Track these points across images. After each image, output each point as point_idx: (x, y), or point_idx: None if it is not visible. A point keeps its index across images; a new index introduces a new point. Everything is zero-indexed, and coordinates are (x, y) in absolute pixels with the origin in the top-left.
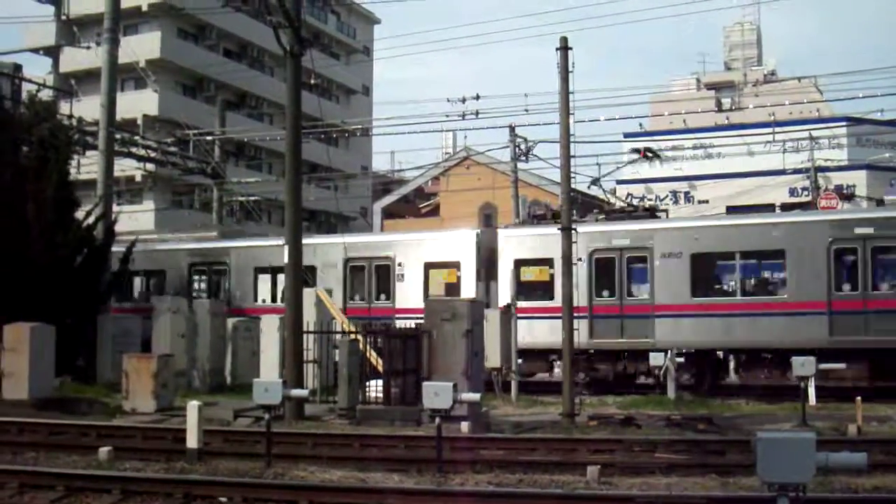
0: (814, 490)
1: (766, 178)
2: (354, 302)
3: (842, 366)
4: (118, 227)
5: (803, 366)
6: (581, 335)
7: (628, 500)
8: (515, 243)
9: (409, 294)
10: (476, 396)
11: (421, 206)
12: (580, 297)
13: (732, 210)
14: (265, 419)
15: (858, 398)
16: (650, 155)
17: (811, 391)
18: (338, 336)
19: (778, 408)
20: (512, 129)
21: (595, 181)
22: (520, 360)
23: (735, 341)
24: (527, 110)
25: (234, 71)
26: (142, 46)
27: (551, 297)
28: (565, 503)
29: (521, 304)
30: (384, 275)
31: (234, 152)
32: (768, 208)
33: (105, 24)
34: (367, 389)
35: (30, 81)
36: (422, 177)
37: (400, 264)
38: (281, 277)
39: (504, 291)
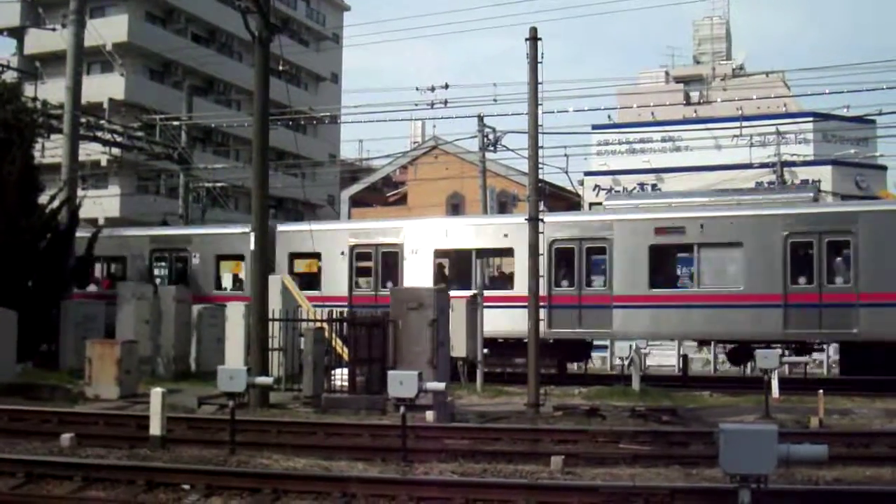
0: (775, 481)
1: (733, 172)
2: None
3: (806, 359)
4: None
5: (766, 358)
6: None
7: (592, 491)
8: None
9: None
10: (441, 386)
11: (388, 194)
12: None
13: None
14: (229, 406)
15: (821, 391)
16: None
17: (774, 383)
18: (303, 324)
19: (741, 400)
20: (480, 118)
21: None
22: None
23: None
24: (495, 100)
25: (202, 56)
26: (108, 29)
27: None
28: (529, 493)
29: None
30: None
31: (201, 138)
32: None
33: (71, 6)
34: (333, 378)
35: None
36: (390, 165)
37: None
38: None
39: None
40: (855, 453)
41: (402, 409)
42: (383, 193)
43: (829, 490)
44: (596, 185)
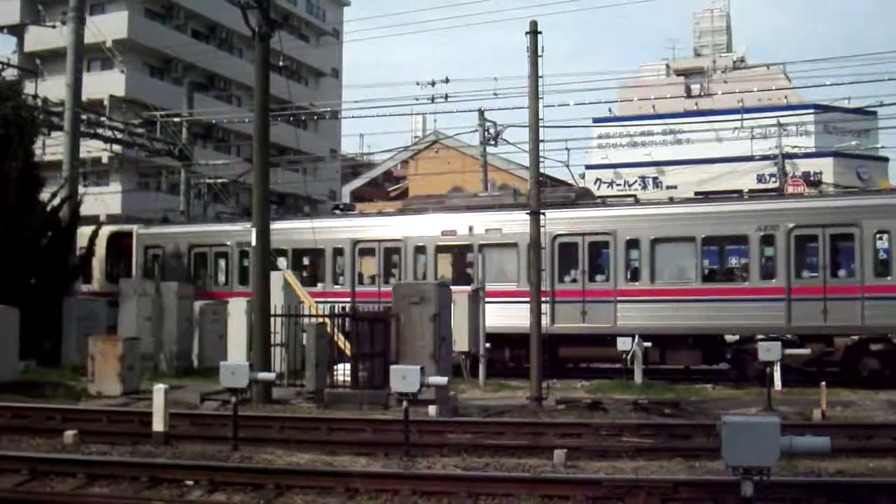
0: (778, 473)
1: (735, 165)
2: None
3: (806, 351)
4: None
5: (769, 351)
6: None
7: (595, 484)
8: None
9: None
10: (443, 380)
11: (390, 189)
12: None
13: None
14: (232, 402)
15: (823, 383)
16: None
17: (776, 376)
18: (306, 319)
19: (744, 392)
20: (481, 112)
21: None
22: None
23: None
24: (496, 94)
25: (203, 52)
26: (108, 26)
27: None
28: (532, 486)
29: None
30: None
31: (201, 134)
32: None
33: (70, 3)
34: (335, 373)
35: None
36: (391, 160)
37: None
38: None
39: None
40: (857, 445)
41: (404, 403)
42: (384, 188)
43: (831, 482)
44: (597, 179)
